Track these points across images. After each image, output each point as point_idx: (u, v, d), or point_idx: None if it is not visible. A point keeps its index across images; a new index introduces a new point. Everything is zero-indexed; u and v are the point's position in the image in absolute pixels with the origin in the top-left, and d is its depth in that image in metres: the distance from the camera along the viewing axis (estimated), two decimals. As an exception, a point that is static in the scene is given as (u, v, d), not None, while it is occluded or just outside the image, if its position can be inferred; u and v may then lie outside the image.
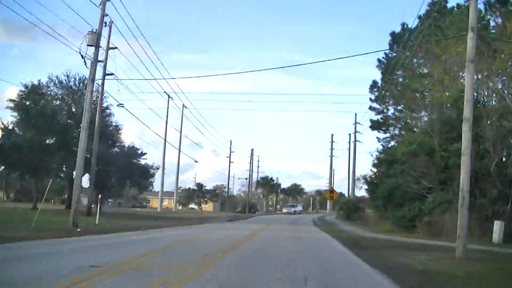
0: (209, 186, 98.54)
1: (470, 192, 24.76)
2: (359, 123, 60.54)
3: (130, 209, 69.87)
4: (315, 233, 25.85)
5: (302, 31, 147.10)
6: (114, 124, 45.64)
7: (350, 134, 63.26)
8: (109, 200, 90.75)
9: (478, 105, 24.98)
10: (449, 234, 21.90)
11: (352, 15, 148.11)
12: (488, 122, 23.55)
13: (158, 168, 52.26)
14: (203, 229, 26.04)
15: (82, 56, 24.14)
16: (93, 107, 40.09)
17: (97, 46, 24.55)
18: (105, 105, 42.32)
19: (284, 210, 78.19)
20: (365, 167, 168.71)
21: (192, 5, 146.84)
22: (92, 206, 53.61)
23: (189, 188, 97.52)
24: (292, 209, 76.24)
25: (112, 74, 34.02)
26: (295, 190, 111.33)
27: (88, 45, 24.35)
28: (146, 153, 49.46)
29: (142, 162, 49.63)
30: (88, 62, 24.55)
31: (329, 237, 21.97)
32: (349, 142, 63.74)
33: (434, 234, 22.14)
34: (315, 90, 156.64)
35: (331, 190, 39.88)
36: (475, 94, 25.41)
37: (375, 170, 40.11)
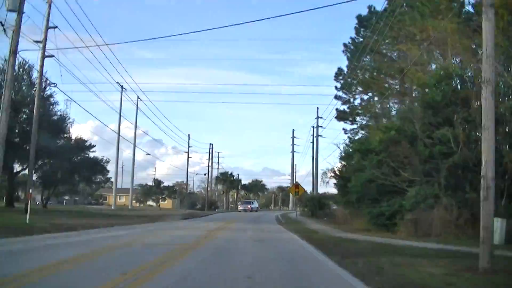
0: (170, 183, 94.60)
1: (457, 186, 22.08)
2: (321, 117, 58.74)
3: (85, 207, 65.72)
4: (281, 233, 22.31)
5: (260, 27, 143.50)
6: (59, 113, 40.83)
7: (313, 127, 60.99)
8: (65, 197, 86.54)
9: (464, 85, 22.15)
10: (438, 233, 18.77)
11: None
12: (478, 104, 20.66)
13: (108, 162, 47.90)
14: (150, 229, 22.26)
15: (1, 23, 20.05)
16: (33, 93, 36.13)
17: (19, 12, 20.48)
18: (49, 92, 38.25)
19: (240, 208, 71.17)
20: (330, 160, 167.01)
21: (151, 2, 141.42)
22: (37, 202, 49.22)
23: (146, 184, 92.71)
24: (249, 206, 70.04)
25: (52, 56, 30.30)
26: (256, 186, 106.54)
27: (8, 11, 20.33)
28: (95, 146, 45.10)
29: (91, 155, 45.48)
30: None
31: (298, 238, 18.43)
32: (313, 135, 61.51)
33: (420, 234, 18.88)
34: (275, 88, 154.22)
35: (296, 185, 36.18)
36: (467, 73, 22.51)
37: (343, 163, 37.09)
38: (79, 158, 43.09)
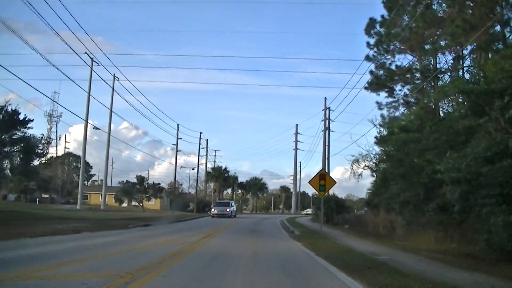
0: (164, 183, 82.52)
1: None
2: (329, 107, 51.34)
3: (59, 206, 57.02)
4: (314, 270, 9.58)
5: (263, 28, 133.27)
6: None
7: (327, 109, 51.60)
8: (45, 195, 78.23)
9: None
10: None
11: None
12: None
13: (50, 143, 35.70)
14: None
15: None
16: None
17: None
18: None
19: (214, 211, 48.30)
20: (335, 161, 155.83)
21: (152, 2, 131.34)
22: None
23: (127, 181, 79.77)
24: (228, 209, 48.19)
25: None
26: (256, 185, 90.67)
27: None
28: (32, 120, 32.31)
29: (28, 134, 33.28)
30: None
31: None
32: (325, 124, 51.96)
33: None
34: (275, 89, 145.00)
35: (322, 174, 22.71)
36: None
37: (382, 148, 25.06)
38: (8, 137, 30.89)
